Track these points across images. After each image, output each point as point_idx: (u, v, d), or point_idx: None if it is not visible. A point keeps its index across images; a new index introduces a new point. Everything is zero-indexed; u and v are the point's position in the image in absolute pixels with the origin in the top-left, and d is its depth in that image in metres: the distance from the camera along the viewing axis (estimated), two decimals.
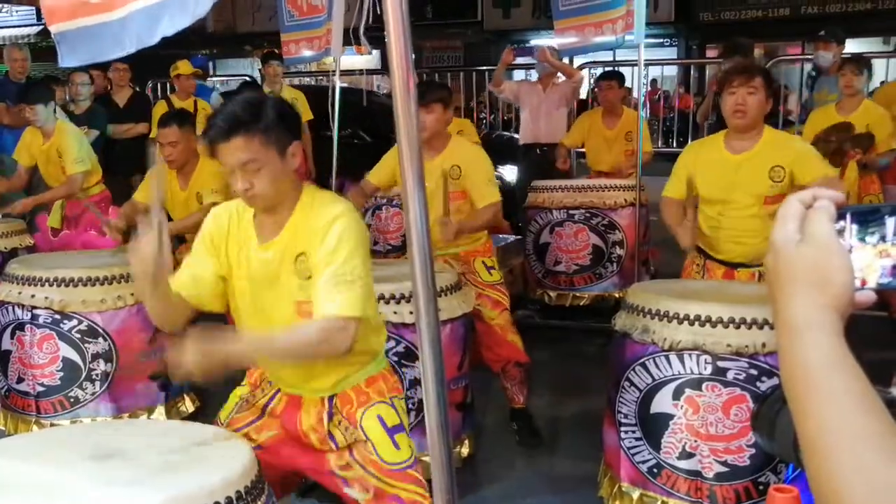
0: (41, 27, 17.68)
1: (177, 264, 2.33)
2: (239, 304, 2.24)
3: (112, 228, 4.36)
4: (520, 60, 10.55)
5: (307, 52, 5.88)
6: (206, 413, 3.97)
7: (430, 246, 1.36)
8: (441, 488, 1.43)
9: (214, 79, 11.93)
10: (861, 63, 5.16)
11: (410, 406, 2.92)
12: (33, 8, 17.96)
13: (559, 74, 6.40)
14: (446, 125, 3.88)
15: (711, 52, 16.21)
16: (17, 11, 19.13)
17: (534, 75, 7.13)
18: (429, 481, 2.08)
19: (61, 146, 5.25)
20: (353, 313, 2.03)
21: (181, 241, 4.54)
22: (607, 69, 7.05)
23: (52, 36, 1.89)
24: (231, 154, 2.04)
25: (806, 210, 0.82)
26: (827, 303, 0.77)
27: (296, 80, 10.62)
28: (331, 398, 2.25)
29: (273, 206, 2.14)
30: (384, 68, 12.69)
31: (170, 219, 4.50)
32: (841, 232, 0.80)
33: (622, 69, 9.67)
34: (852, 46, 7.32)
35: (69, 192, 5.28)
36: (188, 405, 4.06)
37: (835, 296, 0.77)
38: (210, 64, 15.95)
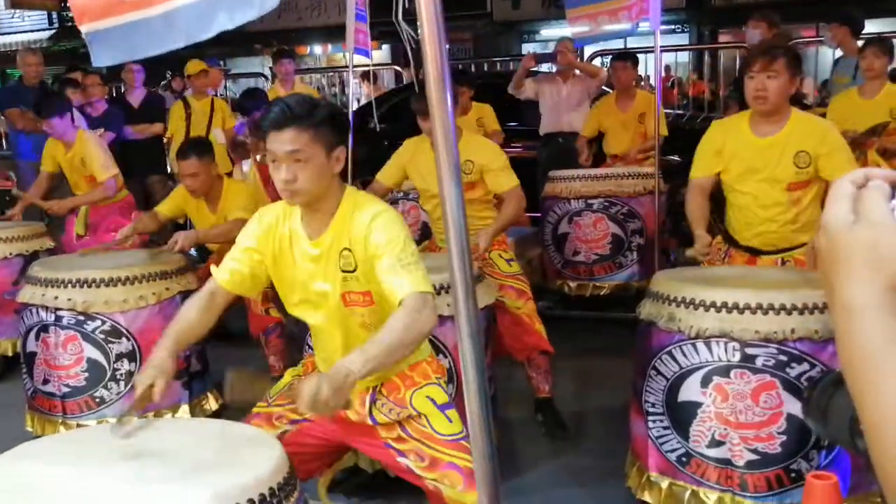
0: (53, 31, 17.76)
1: (206, 276, 2.41)
2: (288, 296, 2.38)
3: (122, 241, 4.33)
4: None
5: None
6: (229, 411, 3.98)
7: (467, 237, 1.36)
8: (484, 479, 1.43)
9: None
10: (883, 44, 5.09)
11: None
12: (45, 13, 18.05)
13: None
14: (458, 115, 3.87)
15: (724, 38, 16.10)
16: (28, 16, 19.22)
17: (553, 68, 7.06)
18: None
19: (85, 155, 5.27)
20: (427, 288, 2.13)
21: (208, 252, 4.55)
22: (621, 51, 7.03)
23: (84, 36, 1.84)
24: (281, 143, 2.16)
25: (858, 190, 0.80)
26: (885, 283, 0.75)
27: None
28: (375, 386, 2.34)
29: (312, 203, 2.25)
30: (394, 63, 12.75)
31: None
32: (893, 212, 0.78)
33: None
34: (871, 27, 7.23)
35: (104, 197, 5.33)
36: (212, 403, 4.07)
37: (892, 275, 0.76)
38: (221, 63, 16.00)
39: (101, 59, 1.88)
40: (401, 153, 3.96)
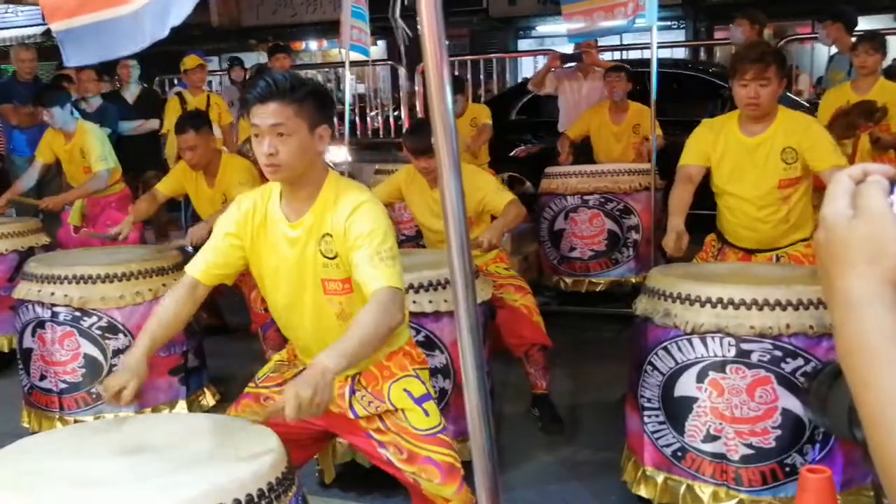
0: (47, 27, 17.67)
1: None
2: (267, 283, 2.36)
3: (122, 233, 4.34)
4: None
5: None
6: (226, 406, 3.97)
7: (467, 231, 1.36)
8: (483, 473, 1.43)
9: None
10: (876, 41, 5.10)
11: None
12: (39, 8, 17.94)
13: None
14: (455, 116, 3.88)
15: (720, 34, 16.09)
16: (21, 11, 19.11)
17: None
18: (464, 463, 2.12)
19: (85, 146, 5.30)
20: (399, 285, 2.15)
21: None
22: (614, 62, 7.00)
23: (54, 35, 1.79)
24: (264, 117, 2.16)
25: (856, 185, 0.81)
26: (883, 276, 0.76)
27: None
28: (354, 376, 2.35)
29: (293, 180, 2.24)
30: (390, 59, 12.72)
31: (198, 218, 4.53)
32: (891, 206, 0.79)
33: (631, 53, 9.62)
34: (864, 24, 7.23)
35: (96, 189, 5.34)
36: (209, 399, 4.07)
37: (891, 268, 0.76)
38: (216, 59, 15.96)
39: (73, 58, 1.82)
40: (398, 177, 4.03)
